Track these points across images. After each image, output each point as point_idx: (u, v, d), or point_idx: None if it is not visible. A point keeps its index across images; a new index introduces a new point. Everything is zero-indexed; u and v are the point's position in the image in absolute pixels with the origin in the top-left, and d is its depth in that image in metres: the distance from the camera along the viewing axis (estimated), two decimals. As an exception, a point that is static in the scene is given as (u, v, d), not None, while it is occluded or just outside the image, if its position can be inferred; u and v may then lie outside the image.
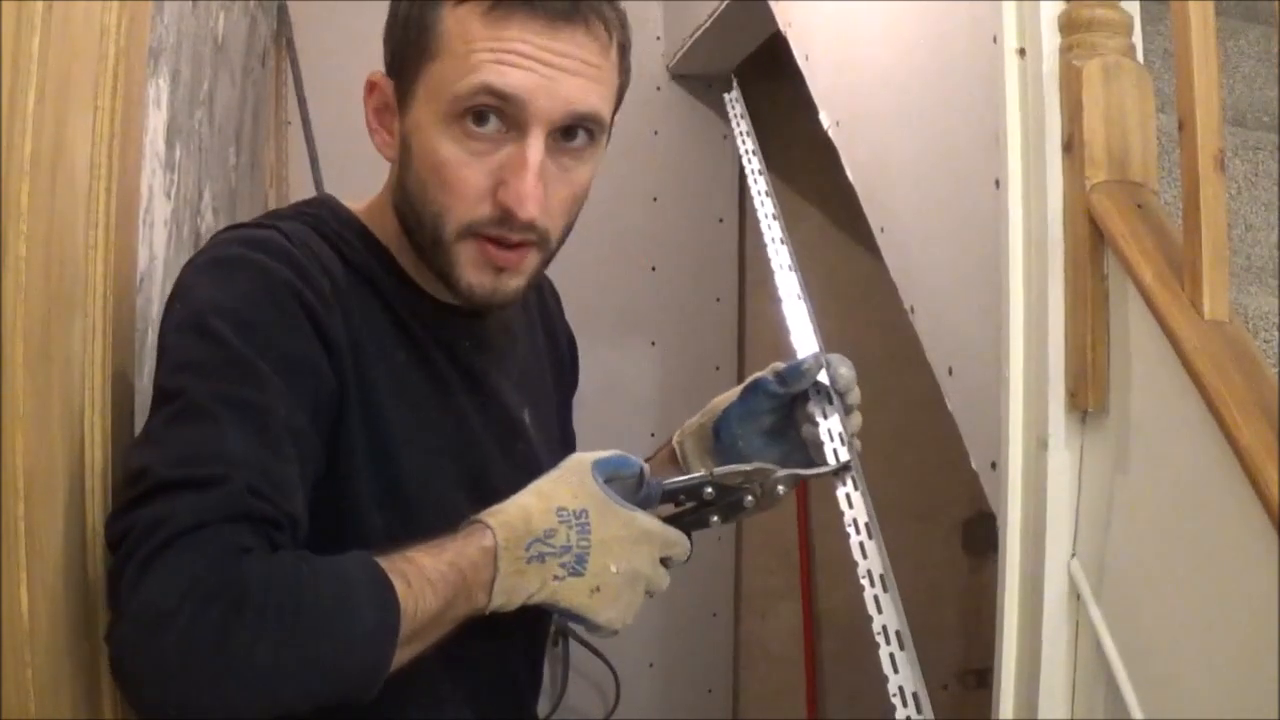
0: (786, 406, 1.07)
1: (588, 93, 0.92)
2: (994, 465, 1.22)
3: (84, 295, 0.85)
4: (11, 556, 0.72)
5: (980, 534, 2.74)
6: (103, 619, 0.84)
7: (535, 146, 0.90)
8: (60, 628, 0.79)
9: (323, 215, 1.00)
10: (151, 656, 0.74)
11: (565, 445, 1.21)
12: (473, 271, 0.94)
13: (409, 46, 0.93)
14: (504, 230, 0.92)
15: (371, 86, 0.96)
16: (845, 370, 1.07)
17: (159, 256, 1.42)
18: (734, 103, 2.05)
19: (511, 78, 0.89)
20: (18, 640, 0.73)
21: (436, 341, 1.00)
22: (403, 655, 0.83)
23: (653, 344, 2.77)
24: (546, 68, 0.89)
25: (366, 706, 0.83)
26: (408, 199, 0.96)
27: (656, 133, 2.70)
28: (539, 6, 0.89)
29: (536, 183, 0.91)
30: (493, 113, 0.90)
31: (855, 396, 1.08)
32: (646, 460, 1.16)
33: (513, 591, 0.88)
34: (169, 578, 0.75)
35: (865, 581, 1.03)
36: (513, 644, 1.07)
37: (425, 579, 0.84)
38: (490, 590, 0.87)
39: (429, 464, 0.97)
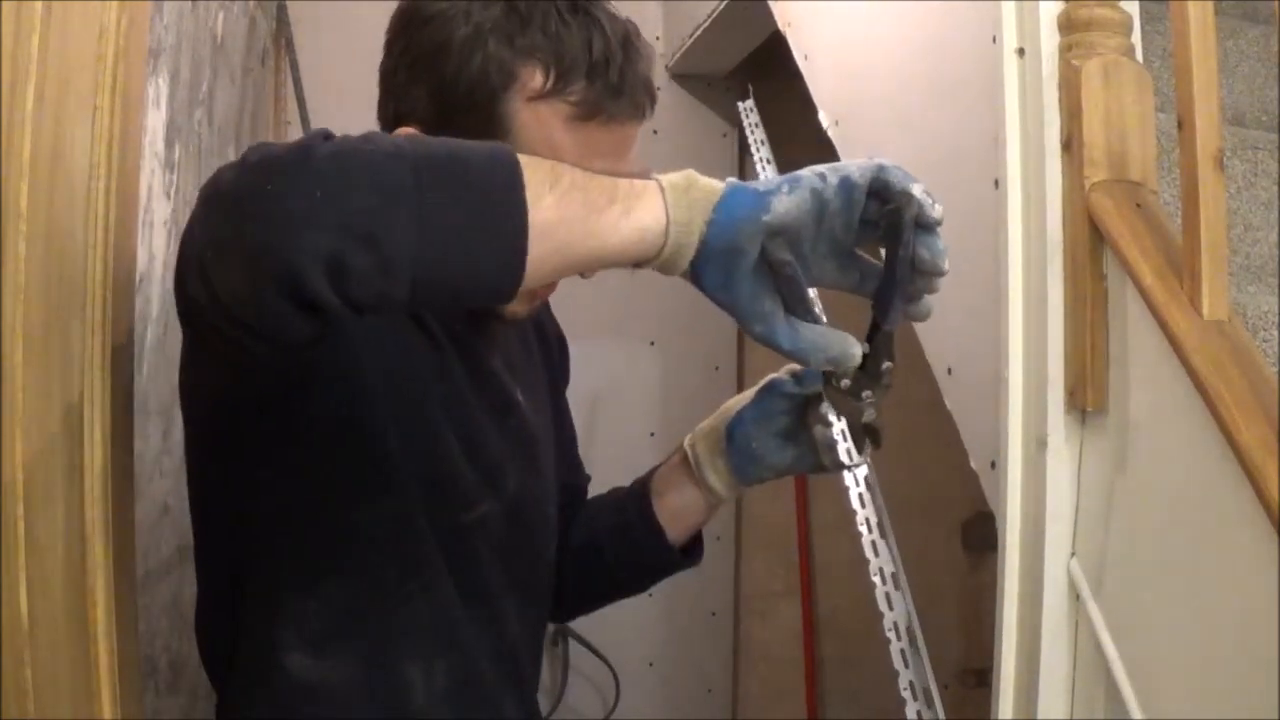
0: (800, 408, 1.07)
1: (630, 162, 0.97)
2: (993, 465, 1.22)
3: (84, 295, 0.85)
4: (11, 556, 0.72)
5: (980, 534, 2.73)
6: (101, 618, 0.84)
7: None
8: (59, 628, 0.79)
9: None
10: (225, 181, 0.75)
11: (563, 439, 1.22)
12: (517, 304, 0.99)
13: (467, 120, 0.93)
14: None
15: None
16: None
17: (158, 256, 1.42)
18: (748, 111, 2.05)
19: None
20: (17, 640, 0.73)
21: (434, 316, 1.02)
22: (547, 212, 0.74)
23: (652, 344, 2.77)
24: (616, 160, 0.94)
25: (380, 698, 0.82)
26: None
27: (656, 132, 2.70)
28: (619, 111, 0.94)
29: None
30: None
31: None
32: (656, 467, 1.17)
33: (690, 211, 0.80)
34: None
35: (877, 579, 1.03)
36: (520, 640, 1.08)
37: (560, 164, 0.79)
38: (665, 199, 0.79)
39: (428, 429, 0.99)
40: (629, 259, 0.79)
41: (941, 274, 0.83)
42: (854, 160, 0.83)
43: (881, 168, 0.81)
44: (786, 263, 0.80)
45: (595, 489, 1.27)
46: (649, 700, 2.70)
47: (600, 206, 0.77)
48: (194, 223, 0.79)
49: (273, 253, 0.71)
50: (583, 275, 0.96)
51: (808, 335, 0.81)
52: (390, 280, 0.71)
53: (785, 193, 0.80)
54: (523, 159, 0.75)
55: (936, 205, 0.81)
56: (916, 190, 0.80)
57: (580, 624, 2.42)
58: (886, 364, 0.90)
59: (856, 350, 0.84)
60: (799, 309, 0.81)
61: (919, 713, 0.99)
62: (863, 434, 0.98)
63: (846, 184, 0.81)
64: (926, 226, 0.81)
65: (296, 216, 0.70)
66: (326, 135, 0.75)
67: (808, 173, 0.82)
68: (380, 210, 0.71)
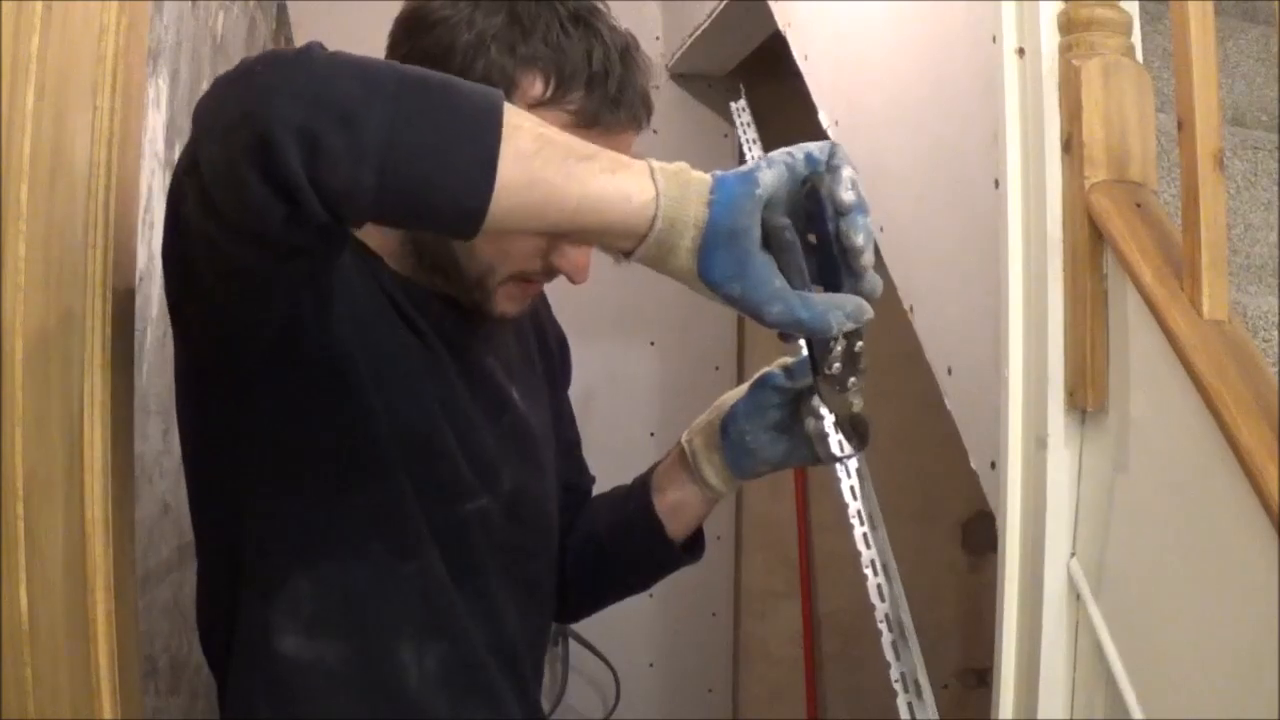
0: (793, 402, 1.08)
1: None
2: (993, 465, 1.22)
3: (84, 295, 0.85)
4: (11, 556, 0.72)
5: (980, 534, 2.74)
6: (101, 618, 0.84)
7: None
8: (59, 628, 0.79)
9: None
10: (220, 77, 0.76)
11: (564, 440, 1.22)
12: (508, 304, 1.02)
13: None
14: (543, 277, 1.01)
15: None
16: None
17: (158, 256, 1.42)
18: (740, 111, 2.05)
19: None
20: (17, 640, 0.73)
21: (425, 317, 1.03)
22: (525, 142, 0.75)
23: (652, 344, 2.77)
24: None
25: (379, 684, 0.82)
26: (448, 251, 0.99)
27: (656, 132, 2.69)
28: (617, 121, 0.96)
29: (590, 255, 0.98)
30: None
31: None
32: (656, 463, 1.17)
33: (684, 190, 0.79)
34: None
35: (869, 571, 1.04)
36: (520, 638, 1.08)
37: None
38: (653, 176, 0.79)
39: (421, 417, 1.00)
40: (614, 222, 0.77)
41: (858, 248, 0.81)
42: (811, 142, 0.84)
43: (833, 144, 0.83)
44: (787, 226, 0.80)
45: (595, 489, 1.27)
46: (649, 700, 2.71)
47: (581, 156, 0.77)
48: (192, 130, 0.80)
49: (249, 121, 0.72)
50: (574, 281, 0.97)
51: (821, 302, 0.80)
52: (359, 165, 0.72)
53: (766, 168, 0.80)
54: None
55: (849, 192, 0.81)
56: (846, 172, 0.81)
57: (580, 624, 2.42)
58: (859, 344, 0.89)
59: (865, 302, 0.83)
60: (798, 279, 0.80)
61: (909, 705, 0.99)
62: (853, 426, 0.98)
63: (811, 158, 0.82)
64: (840, 208, 0.81)
65: (276, 87, 0.73)
66: (322, 47, 0.77)
67: (777, 153, 0.83)
68: (360, 96, 0.73)
